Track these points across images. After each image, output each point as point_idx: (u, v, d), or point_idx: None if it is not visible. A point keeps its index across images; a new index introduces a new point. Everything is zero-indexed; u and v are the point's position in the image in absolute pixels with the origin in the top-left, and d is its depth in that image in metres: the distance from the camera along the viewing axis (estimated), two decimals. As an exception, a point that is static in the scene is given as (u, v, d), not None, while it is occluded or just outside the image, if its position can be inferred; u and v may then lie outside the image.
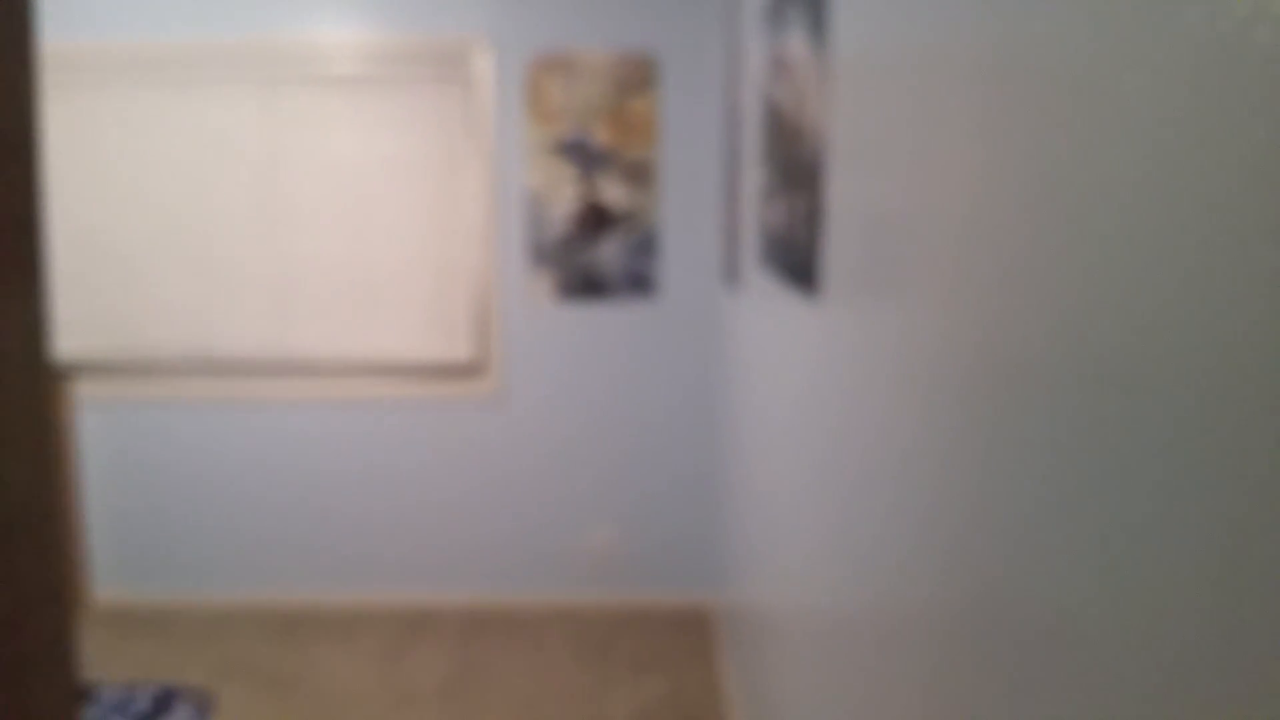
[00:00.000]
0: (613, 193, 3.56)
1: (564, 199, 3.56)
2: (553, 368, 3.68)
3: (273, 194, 3.63)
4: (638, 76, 3.51)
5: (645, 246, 3.58)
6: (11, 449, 0.68)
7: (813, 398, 1.79)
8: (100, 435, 3.76)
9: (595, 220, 3.57)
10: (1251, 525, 0.51)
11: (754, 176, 2.55)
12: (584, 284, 3.60)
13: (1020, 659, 0.82)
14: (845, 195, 1.57)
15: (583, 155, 3.54)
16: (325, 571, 3.82)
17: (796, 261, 1.90)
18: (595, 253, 3.58)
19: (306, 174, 3.62)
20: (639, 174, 3.55)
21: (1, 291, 0.68)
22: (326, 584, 3.83)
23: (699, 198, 3.58)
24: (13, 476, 0.68)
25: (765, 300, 2.38)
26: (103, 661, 3.44)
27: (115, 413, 3.74)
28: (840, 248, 1.59)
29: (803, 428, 1.88)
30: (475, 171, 3.60)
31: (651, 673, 3.37)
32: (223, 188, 3.64)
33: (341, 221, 3.64)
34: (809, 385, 1.83)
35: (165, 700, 3.20)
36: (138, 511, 3.81)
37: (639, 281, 3.60)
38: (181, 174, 3.64)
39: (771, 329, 2.25)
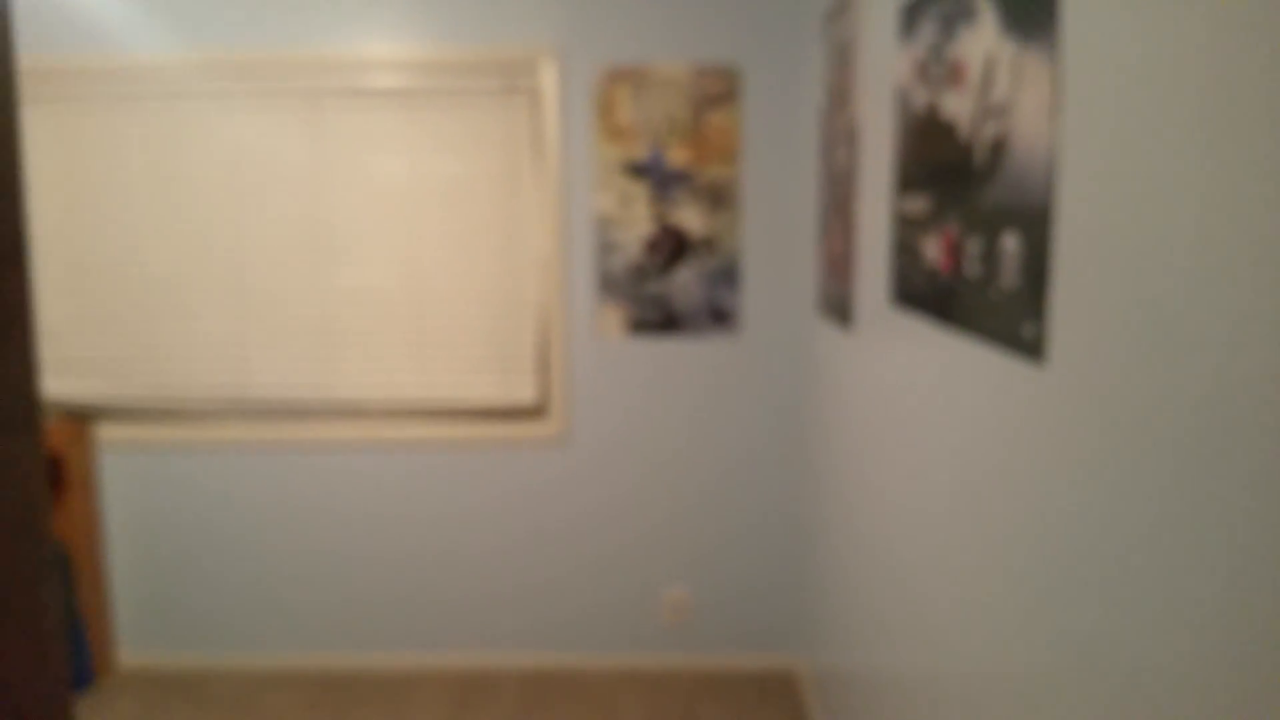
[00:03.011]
0: (690, 217, 3.15)
1: (636, 224, 3.16)
2: (623, 408, 3.27)
3: (317, 220, 3.24)
4: (718, 89, 3.11)
5: (726, 276, 3.18)
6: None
7: (1020, 467, 1.39)
8: (125, 484, 3.37)
9: (670, 247, 3.17)
10: None
11: (883, 202, 2.15)
12: (657, 317, 3.20)
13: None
14: (1087, 237, 1.17)
15: (657, 176, 3.14)
16: (373, 632, 3.42)
17: (988, 313, 1.50)
18: (670, 282, 3.18)
19: (354, 198, 3.23)
20: (719, 196, 3.15)
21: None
22: (374, 645, 3.42)
23: (788, 223, 3.17)
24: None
25: (909, 348, 1.97)
26: (131, 735, 3.05)
27: (142, 459, 3.35)
28: (1080, 303, 1.19)
29: (998, 489, 1.48)
30: (539, 194, 3.20)
31: (738, 749, 2.96)
32: (261, 213, 3.25)
33: (392, 249, 3.25)
34: (1008, 451, 1.42)
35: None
36: (167, 567, 3.41)
37: (719, 314, 3.20)
38: (215, 199, 3.25)
39: (931, 383, 1.84)
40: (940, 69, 1.76)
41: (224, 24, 3.14)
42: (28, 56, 3.15)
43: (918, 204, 1.89)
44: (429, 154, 3.19)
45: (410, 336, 3.27)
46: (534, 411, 3.31)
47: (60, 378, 3.33)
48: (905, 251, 1.98)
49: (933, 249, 1.80)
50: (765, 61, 3.10)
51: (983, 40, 1.54)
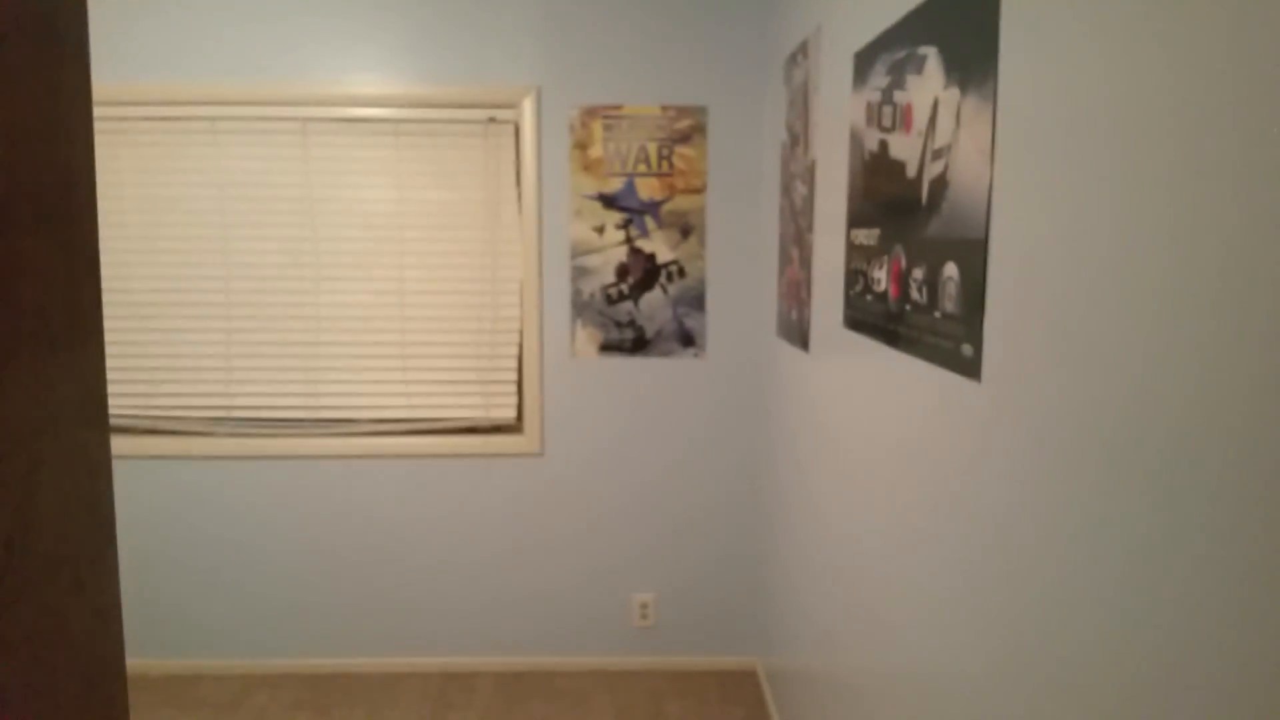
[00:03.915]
0: (659, 245, 3.24)
1: (608, 250, 3.24)
2: (595, 424, 3.34)
3: (304, 243, 3.29)
4: (686, 127, 3.20)
5: (692, 300, 3.26)
6: (65, 509, 0.59)
7: (959, 473, 1.47)
8: (115, 493, 3.38)
9: (640, 273, 3.25)
10: None
11: (838, 234, 2.24)
12: (628, 338, 3.28)
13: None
14: (1018, 266, 1.26)
15: (628, 206, 3.22)
16: (356, 635, 3.44)
17: (931, 335, 1.59)
18: (640, 306, 3.26)
19: (342, 223, 3.28)
20: (686, 226, 3.24)
21: (61, 343, 0.58)
22: (357, 649, 3.44)
23: (750, 251, 3.27)
24: (65, 539, 0.59)
25: (861, 368, 2.06)
26: (120, 735, 3.04)
27: (131, 470, 3.36)
28: (1010, 326, 1.28)
29: (932, 497, 1.56)
30: (518, 222, 3.27)
31: (701, 746, 3.02)
32: (250, 236, 3.29)
33: (377, 272, 3.30)
34: (949, 460, 1.51)
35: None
36: (155, 573, 3.42)
37: (685, 336, 3.28)
38: (205, 222, 3.28)
39: (881, 399, 1.93)
40: (890, 112, 1.85)
41: (218, 55, 3.19)
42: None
43: (869, 236, 1.98)
44: (414, 182, 3.25)
45: (394, 356, 3.32)
46: (512, 426, 3.37)
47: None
48: (857, 279, 2.07)
49: (882, 277, 1.89)
50: (730, 102, 3.20)
51: (929, 87, 1.63)
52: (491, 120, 3.22)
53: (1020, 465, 1.25)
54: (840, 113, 2.23)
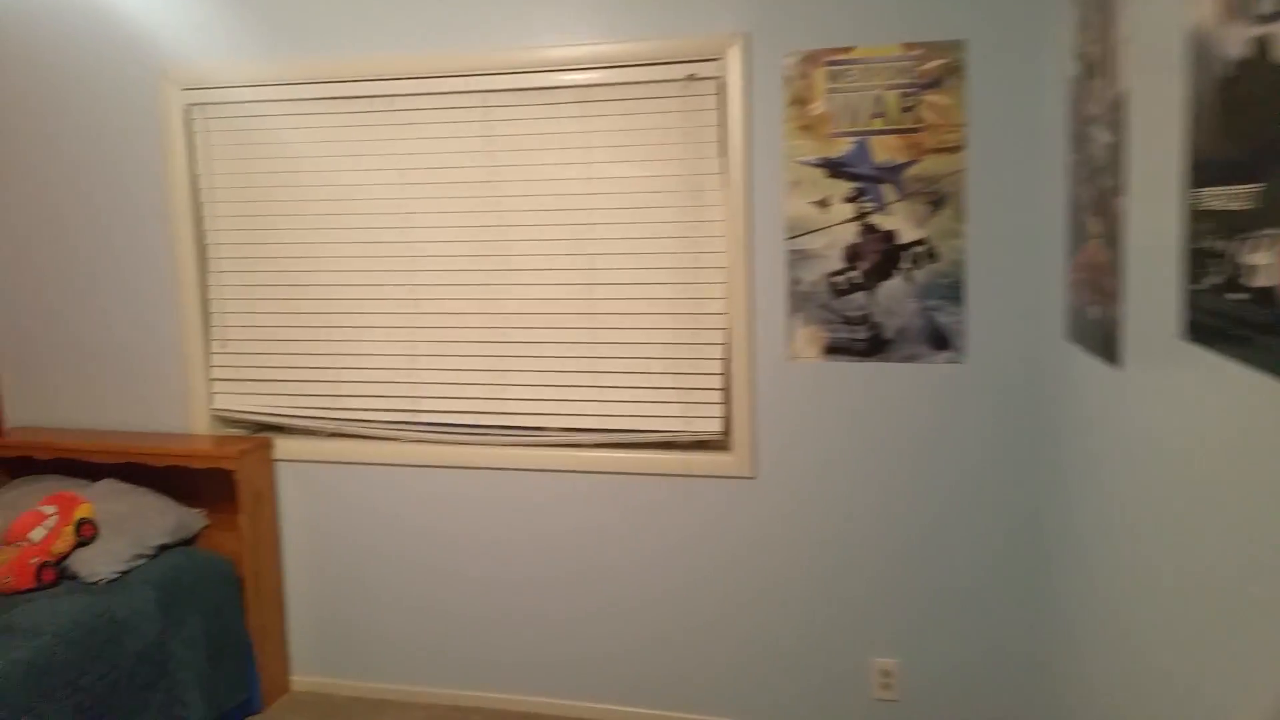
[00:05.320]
0: (900, 220, 2.55)
1: (835, 230, 2.59)
2: (820, 443, 2.71)
3: (488, 234, 2.89)
4: (937, 69, 2.48)
5: (947, 291, 2.55)
6: None
7: None
8: (300, 501, 3.15)
9: (877, 256, 2.58)
10: None
11: (1169, 195, 1.49)
12: (861, 338, 2.62)
13: None
14: None
15: (860, 172, 2.56)
16: (543, 671, 3.02)
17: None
18: (876, 298, 2.59)
19: (527, 209, 2.85)
20: (937, 195, 2.52)
21: None
22: (545, 686, 3.03)
23: (1027, 225, 2.50)
24: None
25: (1215, 404, 1.32)
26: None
27: (317, 477, 3.12)
28: None
29: None
30: (722, 199, 2.70)
31: None
32: (432, 228, 2.94)
33: (566, 263, 2.84)
34: None
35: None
36: (334, 583, 3.16)
37: (937, 337, 2.57)
38: (389, 209, 2.96)
39: (1250, 457, 1.19)
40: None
41: (390, 27, 2.84)
42: (200, 62, 2.98)
43: (1233, 197, 1.24)
44: (605, 158, 2.76)
45: (583, 357, 2.86)
46: (718, 442, 2.81)
47: (239, 394, 3.16)
48: (1209, 265, 1.33)
49: (1264, 262, 1.15)
50: (995, 32, 2.45)
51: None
52: (690, 78, 2.66)
53: None
54: (1169, 14, 1.48)
